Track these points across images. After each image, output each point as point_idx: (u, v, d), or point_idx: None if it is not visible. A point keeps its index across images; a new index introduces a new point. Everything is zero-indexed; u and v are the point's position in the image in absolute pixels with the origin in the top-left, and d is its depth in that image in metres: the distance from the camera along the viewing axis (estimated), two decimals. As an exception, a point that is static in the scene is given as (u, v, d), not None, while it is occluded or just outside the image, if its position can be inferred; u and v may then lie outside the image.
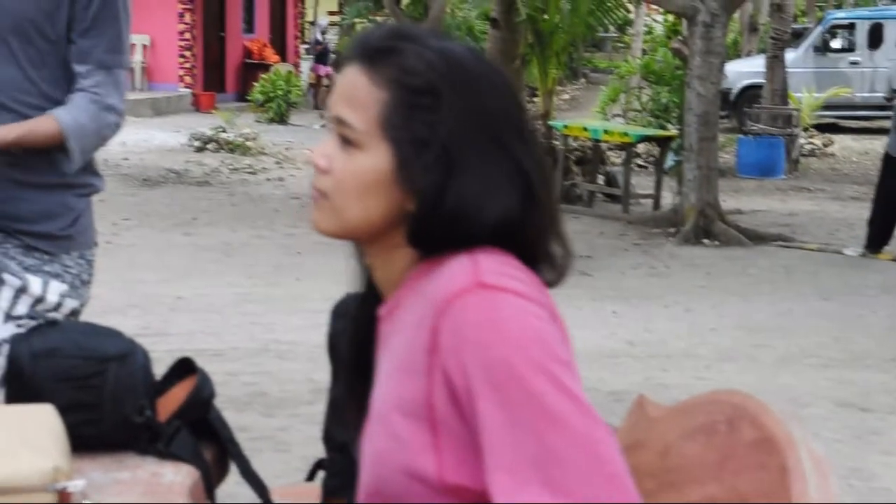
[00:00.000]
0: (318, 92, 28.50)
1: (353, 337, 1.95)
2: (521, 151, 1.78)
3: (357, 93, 1.78)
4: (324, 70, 28.87)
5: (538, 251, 1.80)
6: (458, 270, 1.71)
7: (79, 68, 3.30)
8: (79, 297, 3.35)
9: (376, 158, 1.75)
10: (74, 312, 3.35)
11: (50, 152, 3.27)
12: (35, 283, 3.25)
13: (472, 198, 1.73)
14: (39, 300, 3.25)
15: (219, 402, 2.91)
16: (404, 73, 1.75)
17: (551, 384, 1.63)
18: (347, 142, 1.77)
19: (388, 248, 1.81)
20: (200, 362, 2.94)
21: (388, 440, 1.72)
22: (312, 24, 40.26)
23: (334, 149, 1.80)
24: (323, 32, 29.63)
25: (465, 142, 1.74)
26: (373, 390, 1.81)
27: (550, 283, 1.82)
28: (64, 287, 3.30)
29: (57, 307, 3.28)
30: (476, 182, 1.74)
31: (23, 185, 3.29)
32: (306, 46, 35.38)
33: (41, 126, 3.23)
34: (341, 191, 1.78)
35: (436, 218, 1.74)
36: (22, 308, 3.22)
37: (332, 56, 29.27)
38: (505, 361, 1.63)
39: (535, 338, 1.65)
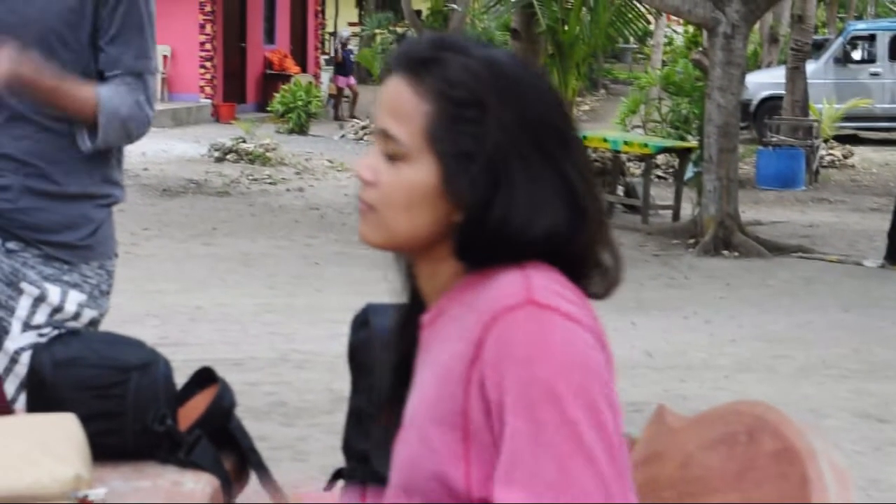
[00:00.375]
0: (339, 103, 28.50)
1: (396, 343, 1.93)
2: (567, 162, 1.76)
3: (402, 105, 1.76)
4: (344, 81, 28.83)
5: (586, 264, 1.79)
6: (509, 285, 1.70)
7: (109, 74, 3.31)
8: (98, 307, 3.35)
9: (423, 171, 1.74)
10: (93, 322, 3.35)
11: (73, 126, 3.28)
12: (54, 293, 3.26)
13: (519, 211, 1.72)
14: (58, 309, 3.25)
15: (238, 412, 2.92)
16: (448, 84, 1.74)
17: (587, 413, 1.63)
18: (393, 155, 1.76)
19: (435, 259, 1.80)
20: (220, 372, 2.94)
21: (420, 446, 1.72)
22: (333, 34, 40.33)
23: (380, 161, 1.78)
24: (344, 44, 29.56)
25: (512, 154, 1.72)
26: (410, 396, 1.81)
27: (597, 296, 1.81)
28: (83, 297, 3.30)
29: (76, 317, 3.28)
30: (523, 195, 1.72)
31: (43, 195, 3.30)
32: (326, 57, 35.41)
33: (79, 89, 3.25)
34: (388, 204, 1.77)
35: (483, 231, 1.73)
36: (40, 317, 3.23)
37: (353, 66, 29.27)
38: (545, 381, 1.63)
39: (580, 363, 1.65)
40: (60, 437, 2.33)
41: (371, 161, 1.79)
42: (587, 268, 1.79)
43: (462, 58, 1.75)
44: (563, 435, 1.61)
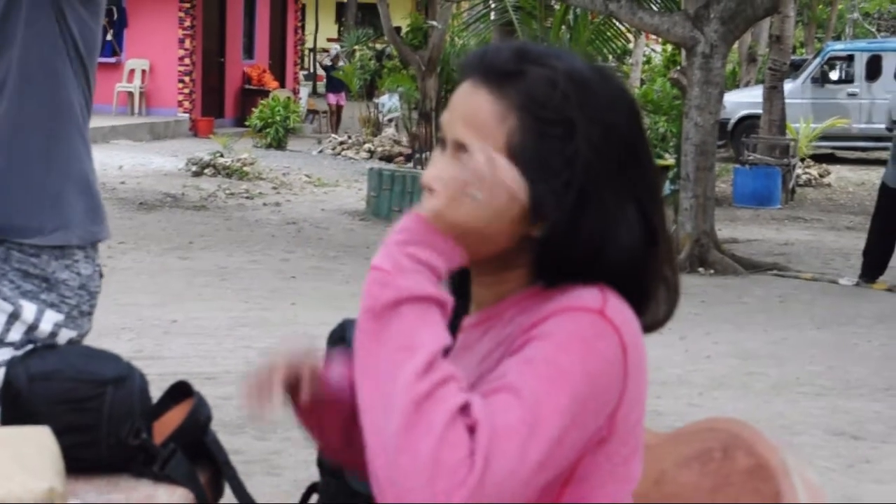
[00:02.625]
0: (335, 119, 28.48)
1: None
2: (642, 179, 1.74)
3: (481, 117, 1.72)
4: (335, 98, 28.79)
5: (649, 293, 1.78)
6: (587, 294, 1.69)
7: None
8: (77, 327, 3.27)
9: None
10: (72, 342, 3.28)
11: None
12: (28, 310, 3.18)
13: (601, 229, 1.70)
14: (33, 328, 3.18)
15: (212, 426, 2.91)
16: (533, 100, 1.70)
17: (571, 406, 1.62)
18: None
19: (504, 269, 1.77)
20: (194, 386, 2.94)
21: None
22: (312, 50, 40.30)
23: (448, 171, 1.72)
24: (332, 62, 29.49)
25: (598, 170, 1.70)
26: None
27: (647, 328, 1.79)
28: (60, 317, 3.22)
29: (52, 336, 3.21)
30: (606, 213, 1.70)
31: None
32: (305, 73, 35.38)
33: None
34: None
35: (565, 248, 1.71)
36: (15, 335, 3.15)
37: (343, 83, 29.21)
38: (557, 362, 1.63)
39: (596, 380, 1.65)
40: (34, 450, 2.32)
41: (440, 172, 1.73)
42: (648, 296, 1.78)
43: (546, 71, 1.72)
44: (544, 372, 1.62)
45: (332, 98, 28.80)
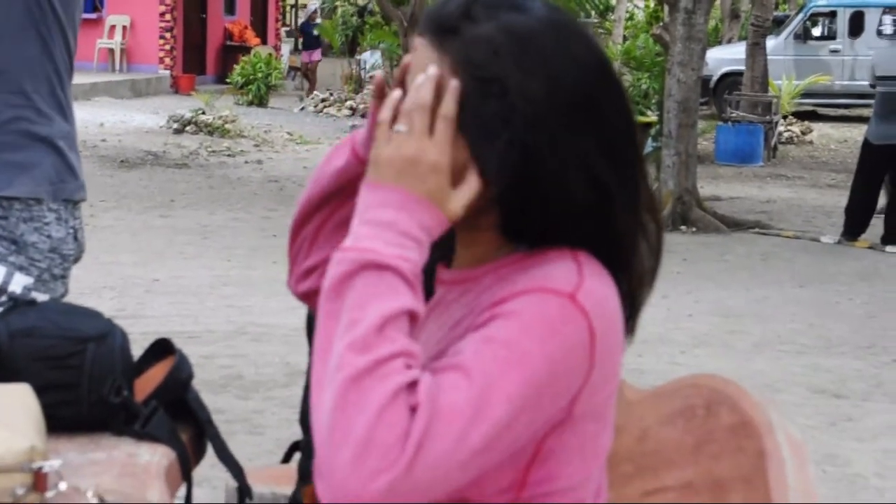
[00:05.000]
0: (308, 77, 28.18)
1: None
2: (598, 134, 1.69)
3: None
4: (307, 56, 28.44)
5: (622, 249, 1.73)
6: (562, 272, 1.66)
7: None
8: (50, 290, 3.22)
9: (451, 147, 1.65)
10: None
11: None
12: None
13: (553, 189, 1.66)
14: (1, 290, 3.13)
15: (194, 385, 2.90)
16: (469, 60, 1.66)
17: (519, 372, 1.59)
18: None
19: (475, 228, 1.74)
20: (176, 344, 2.93)
21: None
22: (294, 6, 40.09)
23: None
24: (309, 19, 29.12)
25: (543, 128, 1.65)
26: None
27: (633, 285, 1.76)
28: (29, 280, 3.17)
29: (23, 298, 3.16)
30: (557, 172, 1.66)
31: None
32: (287, 29, 35.21)
33: None
34: None
35: (518, 208, 1.68)
36: None
37: (319, 41, 29.00)
38: (515, 342, 1.60)
39: (551, 358, 1.61)
40: (15, 407, 2.31)
41: None
42: (624, 252, 1.73)
43: (485, 26, 1.67)
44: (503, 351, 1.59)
45: (306, 56, 28.48)
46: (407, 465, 1.50)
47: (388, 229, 1.61)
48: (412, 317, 1.59)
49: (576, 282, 1.65)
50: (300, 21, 30.29)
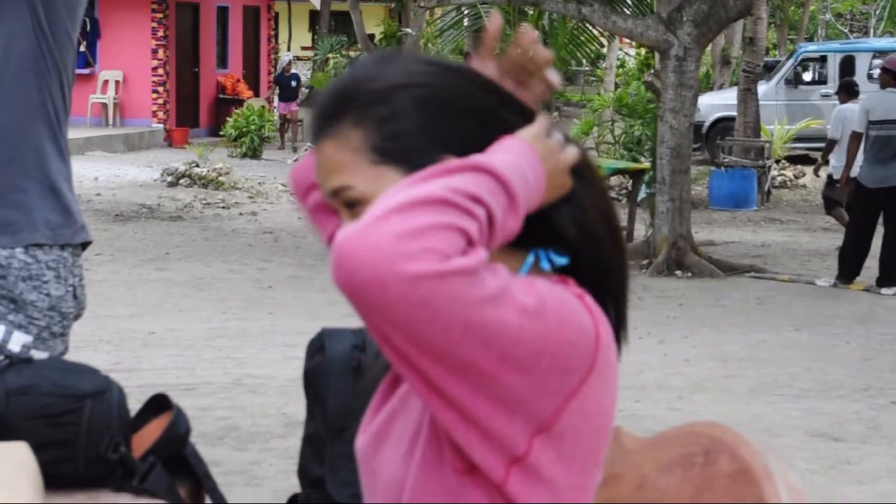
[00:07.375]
0: (284, 130, 27.90)
1: None
2: (472, 143, 1.71)
3: (338, 158, 1.72)
4: (285, 108, 27.97)
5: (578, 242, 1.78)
6: (559, 286, 1.70)
7: None
8: (48, 348, 3.18)
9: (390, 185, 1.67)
10: None
11: None
12: None
13: None
14: (0, 349, 3.10)
15: (191, 437, 2.90)
16: (356, 109, 1.71)
17: (534, 318, 1.60)
18: (355, 202, 1.70)
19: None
20: (173, 397, 2.92)
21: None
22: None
23: (351, 217, 1.71)
24: (285, 69, 28.75)
25: (414, 140, 1.70)
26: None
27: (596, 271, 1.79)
28: (28, 339, 3.14)
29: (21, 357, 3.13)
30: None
31: None
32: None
33: None
34: None
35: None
36: None
37: (305, 91, 28.94)
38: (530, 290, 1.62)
39: (563, 324, 1.63)
40: (12, 466, 2.30)
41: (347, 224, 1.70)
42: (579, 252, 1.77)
43: (341, 85, 1.75)
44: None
45: (283, 108, 28.14)
46: (437, 276, 1.50)
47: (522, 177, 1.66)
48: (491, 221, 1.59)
49: (580, 291, 1.70)
50: (275, 74, 29.99)
